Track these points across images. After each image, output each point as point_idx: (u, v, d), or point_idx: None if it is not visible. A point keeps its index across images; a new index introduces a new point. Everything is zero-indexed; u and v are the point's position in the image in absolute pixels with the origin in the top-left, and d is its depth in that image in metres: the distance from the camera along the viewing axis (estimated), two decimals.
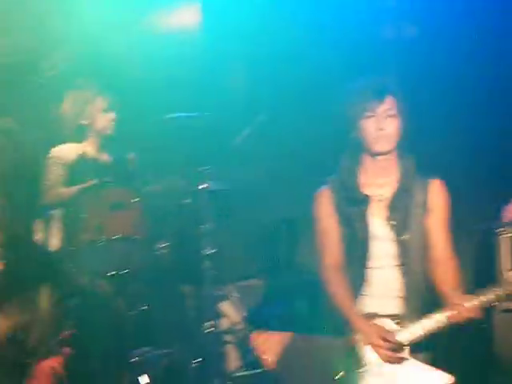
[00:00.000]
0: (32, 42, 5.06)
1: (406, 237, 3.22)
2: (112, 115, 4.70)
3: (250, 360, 4.25)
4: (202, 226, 4.41)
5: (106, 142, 4.75)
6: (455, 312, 3.04)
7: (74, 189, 4.49)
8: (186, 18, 5.52)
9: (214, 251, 4.35)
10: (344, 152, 3.39)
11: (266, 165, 5.14)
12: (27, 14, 5.02)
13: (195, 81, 5.15)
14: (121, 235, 4.22)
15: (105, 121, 4.71)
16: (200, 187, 4.45)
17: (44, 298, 2.28)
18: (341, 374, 3.04)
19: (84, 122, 4.71)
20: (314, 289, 4.78)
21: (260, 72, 5.41)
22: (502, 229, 4.15)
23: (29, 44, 5.05)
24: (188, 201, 4.53)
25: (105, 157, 4.75)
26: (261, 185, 5.07)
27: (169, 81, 5.08)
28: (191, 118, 4.61)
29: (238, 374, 4.16)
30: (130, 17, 5.24)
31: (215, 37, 5.42)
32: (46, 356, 2.32)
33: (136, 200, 4.31)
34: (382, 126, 3.22)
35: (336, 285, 3.23)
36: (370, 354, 3.09)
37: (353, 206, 3.29)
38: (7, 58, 4.99)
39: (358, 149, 3.32)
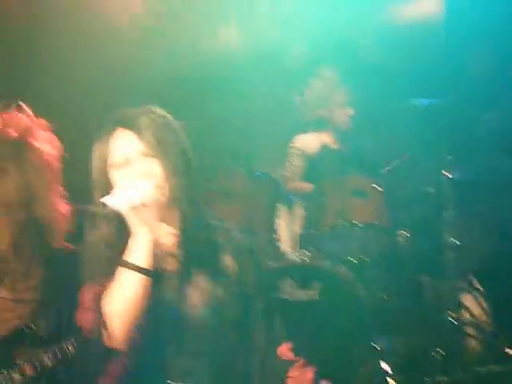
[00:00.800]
0: (277, 32, 5.22)
1: None
2: (350, 111, 4.73)
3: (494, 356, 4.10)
4: (445, 216, 4.33)
5: (343, 133, 4.80)
6: None
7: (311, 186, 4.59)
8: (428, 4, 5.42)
9: (456, 243, 4.25)
10: None
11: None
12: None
13: (437, 67, 5.04)
14: (361, 221, 4.25)
15: (343, 115, 4.76)
16: (443, 176, 4.37)
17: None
18: None
19: (323, 113, 4.79)
20: None
21: (503, 56, 5.17)
22: None
23: (274, 34, 5.21)
24: (430, 189, 4.45)
25: (343, 147, 4.81)
26: (506, 175, 4.84)
27: (410, 67, 5.02)
28: (433, 104, 4.53)
29: (480, 369, 4.02)
30: (373, 5, 5.23)
31: (457, 22, 5.25)
32: None
33: (377, 187, 4.31)
34: None
35: None
36: None
37: None
38: (253, 47, 5.18)
39: None
